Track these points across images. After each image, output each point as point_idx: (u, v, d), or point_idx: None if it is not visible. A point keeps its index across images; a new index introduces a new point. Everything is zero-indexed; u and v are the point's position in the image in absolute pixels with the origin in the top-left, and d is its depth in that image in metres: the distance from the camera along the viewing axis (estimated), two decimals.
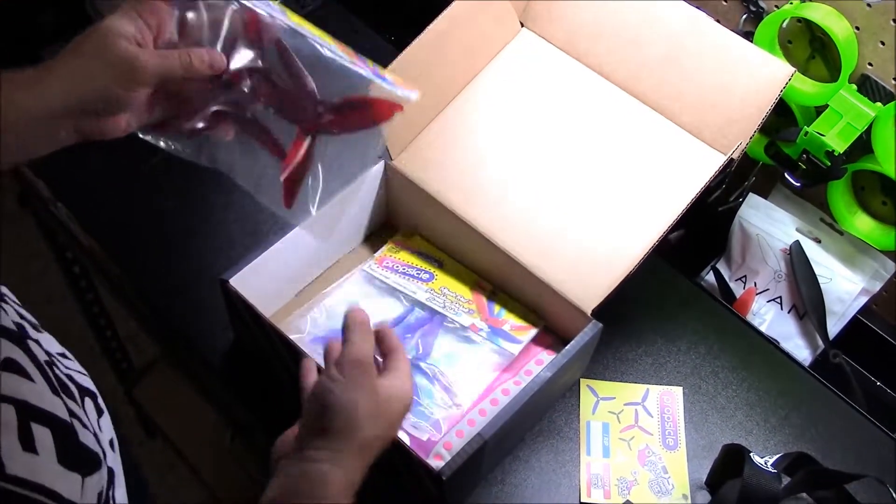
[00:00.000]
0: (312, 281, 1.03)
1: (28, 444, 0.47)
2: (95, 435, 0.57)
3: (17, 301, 0.64)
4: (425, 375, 0.93)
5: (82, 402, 0.60)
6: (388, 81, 0.70)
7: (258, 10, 0.68)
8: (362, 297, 0.99)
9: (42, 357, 0.55)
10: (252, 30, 0.68)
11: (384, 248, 1.04)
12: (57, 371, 0.57)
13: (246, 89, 0.70)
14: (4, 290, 0.63)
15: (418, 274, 1.00)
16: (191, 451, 1.71)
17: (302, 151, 0.70)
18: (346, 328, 0.67)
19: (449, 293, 0.99)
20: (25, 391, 0.49)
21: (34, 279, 2.02)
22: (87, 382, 0.65)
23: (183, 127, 0.69)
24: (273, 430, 0.96)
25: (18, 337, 0.53)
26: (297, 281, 1.01)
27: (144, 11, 0.64)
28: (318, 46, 0.69)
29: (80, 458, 0.51)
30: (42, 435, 0.49)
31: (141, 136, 0.69)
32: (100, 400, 0.66)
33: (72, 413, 0.53)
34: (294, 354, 0.87)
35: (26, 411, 0.48)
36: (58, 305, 1.96)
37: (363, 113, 0.70)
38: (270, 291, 0.96)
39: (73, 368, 0.64)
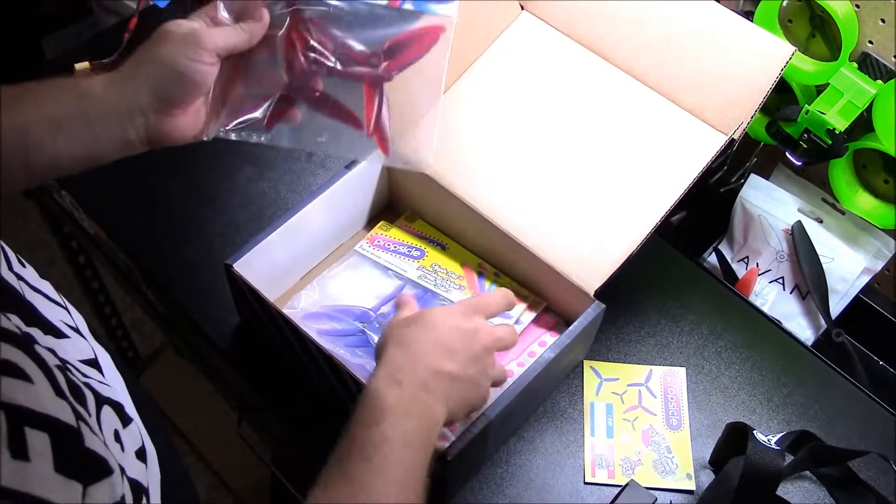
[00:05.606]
0: (316, 265, 1.03)
1: (19, 451, 0.44)
2: (106, 444, 0.53)
3: (56, 300, 0.64)
4: None
5: (98, 410, 0.58)
6: (423, 9, 0.76)
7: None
8: (356, 276, 1.00)
9: (52, 362, 0.52)
10: (297, 19, 0.75)
11: (375, 227, 1.05)
12: (71, 377, 0.55)
13: (305, 71, 0.76)
14: (33, 285, 0.62)
15: (409, 252, 1.02)
16: (199, 437, 1.72)
17: (376, 104, 0.77)
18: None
19: (440, 270, 1.00)
20: (20, 394, 0.46)
21: (39, 269, 2.02)
22: (110, 392, 0.63)
23: (257, 120, 0.76)
24: (280, 412, 0.97)
25: (23, 342, 0.50)
26: (300, 265, 1.02)
27: (203, 13, 0.72)
28: (346, 4, 0.74)
29: (82, 465, 0.48)
30: (37, 441, 0.45)
31: (222, 135, 0.75)
32: (127, 409, 0.64)
33: (79, 417, 0.50)
34: (299, 338, 0.87)
35: (19, 416, 0.45)
36: (63, 295, 1.97)
37: (413, 46, 0.76)
38: (274, 275, 0.97)
39: (92, 377, 0.62)
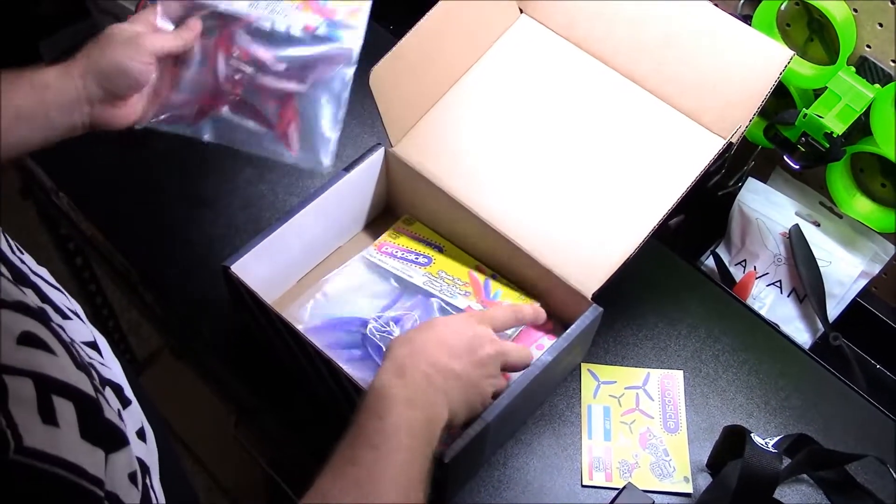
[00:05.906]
0: (314, 267, 1.03)
1: (48, 416, 0.46)
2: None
3: (55, 285, 0.65)
4: None
5: (102, 389, 0.59)
6: (334, 36, 0.89)
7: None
8: (361, 282, 1.00)
9: (66, 337, 0.53)
10: (226, 32, 0.88)
11: (385, 234, 1.04)
12: (79, 353, 0.57)
13: (229, 76, 0.89)
14: (34, 269, 0.63)
15: (416, 258, 1.02)
16: (195, 439, 1.72)
17: (287, 111, 0.90)
18: None
19: (446, 276, 1.00)
20: (45, 364, 0.48)
21: None
22: (110, 374, 0.65)
23: (185, 114, 0.89)
24: (278, 415, 0.97)
25: (42, 316, 0.51)
26: (298, 267, 1.02)
27: (144, 19, 0.86)
28: (268, 24, 0.88)
29: (103, 434, 0.50)
30: (64, 408, 0.47)
31: (153, 125, 0.88)
32: (126, 392, 0.66)
33: (97, 389, 0.52)
34: (297, 339, 0.87)
35: (46, 384, 0.47)
36: None
37: (322, 66, 0.88)
38: (272, 278, 0.97)
39: (94, 358, 0.64)
